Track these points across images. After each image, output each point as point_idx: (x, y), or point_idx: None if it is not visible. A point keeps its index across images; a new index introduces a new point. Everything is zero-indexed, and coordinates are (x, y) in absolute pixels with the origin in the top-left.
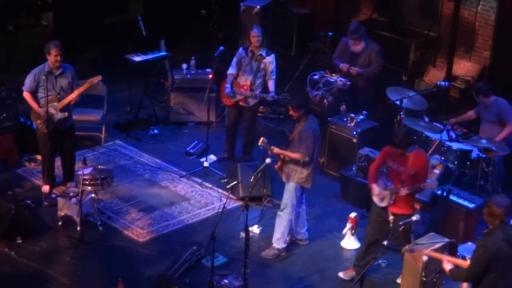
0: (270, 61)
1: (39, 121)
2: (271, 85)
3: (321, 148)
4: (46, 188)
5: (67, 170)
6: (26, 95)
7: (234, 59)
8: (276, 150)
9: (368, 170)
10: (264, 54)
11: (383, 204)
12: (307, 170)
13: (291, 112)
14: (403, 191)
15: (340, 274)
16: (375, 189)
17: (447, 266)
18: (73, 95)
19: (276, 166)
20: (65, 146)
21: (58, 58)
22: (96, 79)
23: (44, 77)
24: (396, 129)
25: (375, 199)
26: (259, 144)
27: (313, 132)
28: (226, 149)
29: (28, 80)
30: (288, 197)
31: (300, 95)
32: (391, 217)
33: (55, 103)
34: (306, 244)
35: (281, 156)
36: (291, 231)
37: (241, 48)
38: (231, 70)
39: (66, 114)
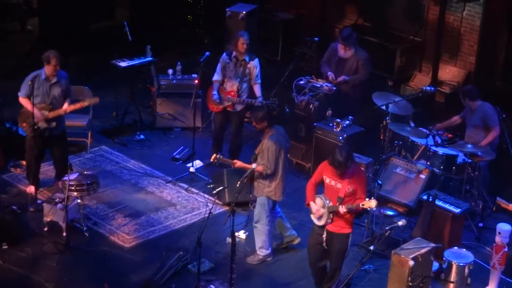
0: (254, 65)
1: (24, 124)
2: (257, 90)
3: (286, 158)
4: (31, 189)
5: (58, 176)
6: (23, 100)
7: (218, 65)
8: (238, 164)
9: (306, 186)
10: (247, 59)
11: (321, 223)
12: (274, 182)
13: (254, 124)
14: (342, 209)
15: None
16: (312, 207)
17: None
18: (66, 110)
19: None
20: (56, 152)
21: (57, 67)
22: (94, 100)
23: (39, 82)
24: (337, 149)
25: (313, 217)
26: (212, 160)
27: (275, 143)
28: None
29: (24, 86)
30: (261, 210)
31: (262, 107)
32: (324, 235)
33: (46, 112)
34: (298, 242)
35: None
36: (274, 237)
37: (224, 54)
38: (216, 77)
39: (54, 124)
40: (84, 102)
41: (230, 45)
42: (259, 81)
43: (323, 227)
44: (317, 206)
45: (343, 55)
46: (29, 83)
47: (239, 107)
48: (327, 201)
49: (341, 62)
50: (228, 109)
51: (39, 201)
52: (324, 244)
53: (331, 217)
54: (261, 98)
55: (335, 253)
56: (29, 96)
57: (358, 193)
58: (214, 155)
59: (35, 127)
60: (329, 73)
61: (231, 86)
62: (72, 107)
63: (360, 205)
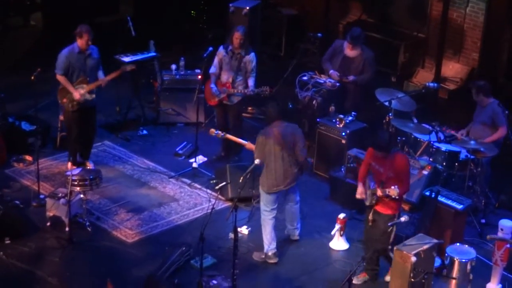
0: (250, 59)
1: (65, 100)
2: (250, 81)
3: (274, 154)
4: (68, 165)
5: (86, 148)
6: (61, 78)
7: (215, 58)
8: (249, 145)
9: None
10: (243, 53)
11: (367, 203)
12: (262, 173)
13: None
14: (379, 192)
15: (354, 280)
16: (358, 187)
17: None
18: (103, 82)
19: None
20: (89, 125)
21: (89, 42)
22: (129, 67)
23: (74, 57)
24: (378, 133)
25: (358, 197)
26: (211, 133)
27: (260, 136)
28: (222, 146)
29: (60, 63)
30: (260, 200)
31: (273, 103)
32: (370, 216)
33: (85, 85)
34: (295, 239)
35: None
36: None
37: (221, 47)
38: (213, 69)
39: (94, 96)
40: (118, 70)
41: (228, 38)
42: (254, 74)
43: (370, 207)
44: (363, 188)
45: (349, 54)
46: (65, 59)
47: (235, 100)
48: (372, 184)
49: (347, 61)
50: (224, 101)
51: (41, 196)
52: (370, 223)
53: (375, 198)
54: (252, 87)
55: (378, 233)
56: (67, 73)
57: (399, 178)
58: (212, 129)
59: (75, 102)
60: (332, 71)
61: (227, 78)
62: (109, 77)
63: (387, 191)
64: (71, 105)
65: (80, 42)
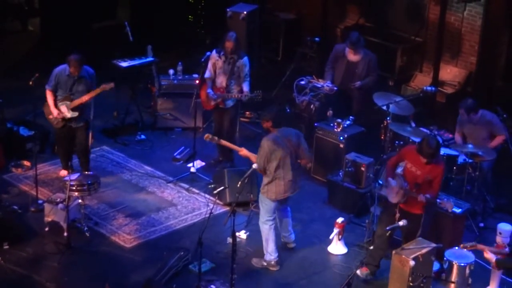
0: (243, 64)
1: (51, 116)
2: (245, 86)
3: (288, 160)
4: (64, 173)
5: (82, 160)
6: (48, 93)
7: (209, 63)
8: (244, 152)
9: (386, 164)
10: (236, 57)
11: (394, 201)
12: (266, 180)
13: (261, 123)
14: (421, 198)
15: (358, 272)
16: (391, 182)
17: (492, 257)
18: (85, 98)
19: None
20: (78, 142)
21: (76, 73)
22: (109, 86)
23: (63, 77)
24: (427, 139)
25: (388, 192)
26: (205, 138)
27: (267, 143)
28: (219, 151)
29: (51, 79)
30: (260, 207)
31: (272, 107)
32: (398, 214)
33: (68, 102)
34: (292, 247)
35: None
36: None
37: (214, 51)
38: (208, 74)
39: (77, 113)
40: (98, 89)
41: (221, 43)
42: (248, 78)
43: (396, 205)
44: (396, 184)
45: (352, 59)
46: (55, 76)
47: (229, 104)
48: (405, 184)
49: (351, 66)
50: (220, 106)
51: (40, 201)
52: (397, 221)
53: (406, 198)
54: (247, 92)
55: (406, 233)
56: (55, 90)
57: (434, 183)
58: (207, 134)
59: (60, 119)
60: (327, 83)
61: (221, 82)
62: (90, 95)
63: (438, 202)
64: (55, 122)
65: (69, 67)
